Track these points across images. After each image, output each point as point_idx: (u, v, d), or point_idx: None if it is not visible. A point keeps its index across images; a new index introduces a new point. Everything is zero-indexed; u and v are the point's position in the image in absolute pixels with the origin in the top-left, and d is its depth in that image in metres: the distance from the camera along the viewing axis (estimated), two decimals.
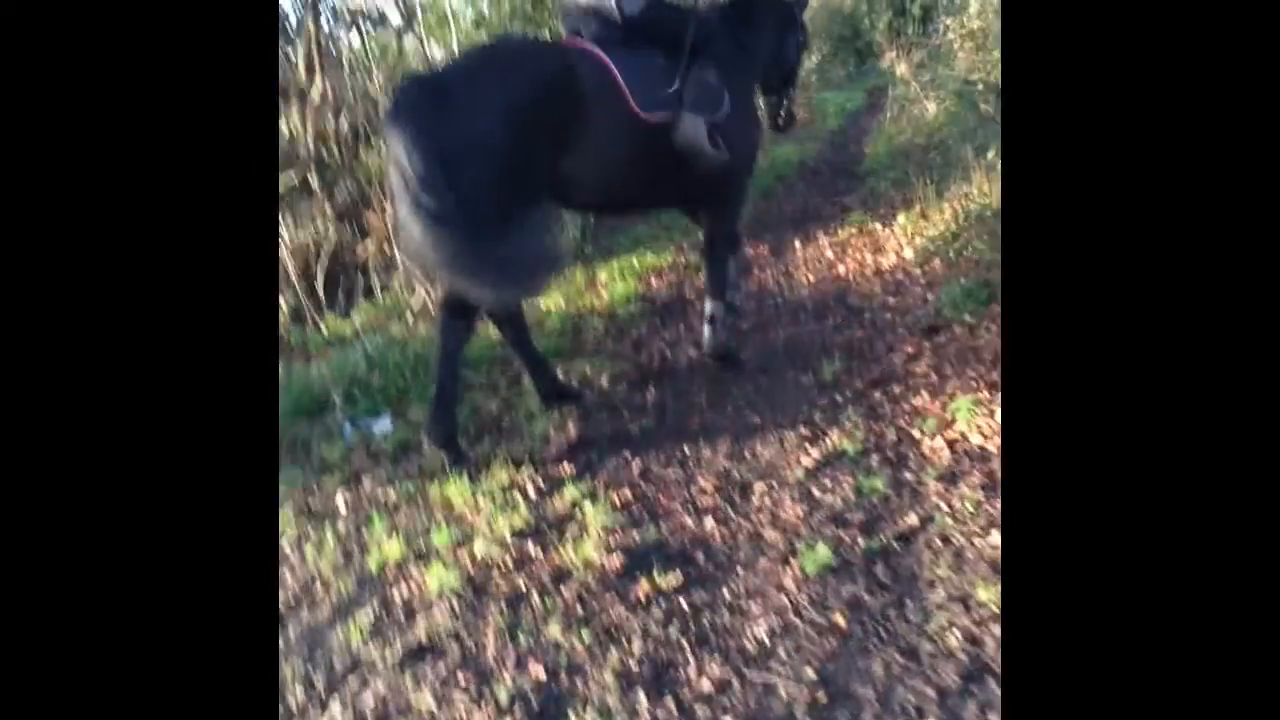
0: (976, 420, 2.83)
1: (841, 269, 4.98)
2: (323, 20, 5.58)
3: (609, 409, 3.49)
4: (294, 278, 5.14)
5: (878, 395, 3.25)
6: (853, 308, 4.27)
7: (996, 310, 3.56)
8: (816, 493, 2.69)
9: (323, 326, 5.14)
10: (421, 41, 6.16)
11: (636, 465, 3.02)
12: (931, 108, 9.49)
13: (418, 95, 2.77)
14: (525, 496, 2.89)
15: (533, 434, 3.36)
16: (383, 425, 3.60)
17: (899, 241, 5.20)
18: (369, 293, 5.33)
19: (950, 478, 2.64)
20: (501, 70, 2.90)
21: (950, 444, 2.78)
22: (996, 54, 8.97)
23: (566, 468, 3.03)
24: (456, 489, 2.96)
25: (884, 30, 17.84)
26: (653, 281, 5.15)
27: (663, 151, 3.22)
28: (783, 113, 4.05)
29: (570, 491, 2.86)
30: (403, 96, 2.79)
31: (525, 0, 7.74)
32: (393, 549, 2.66)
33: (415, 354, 4.10)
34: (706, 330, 3.74)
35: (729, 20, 3.61)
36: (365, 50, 6.15)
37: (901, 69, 14.46)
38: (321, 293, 5.35)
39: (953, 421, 2.87)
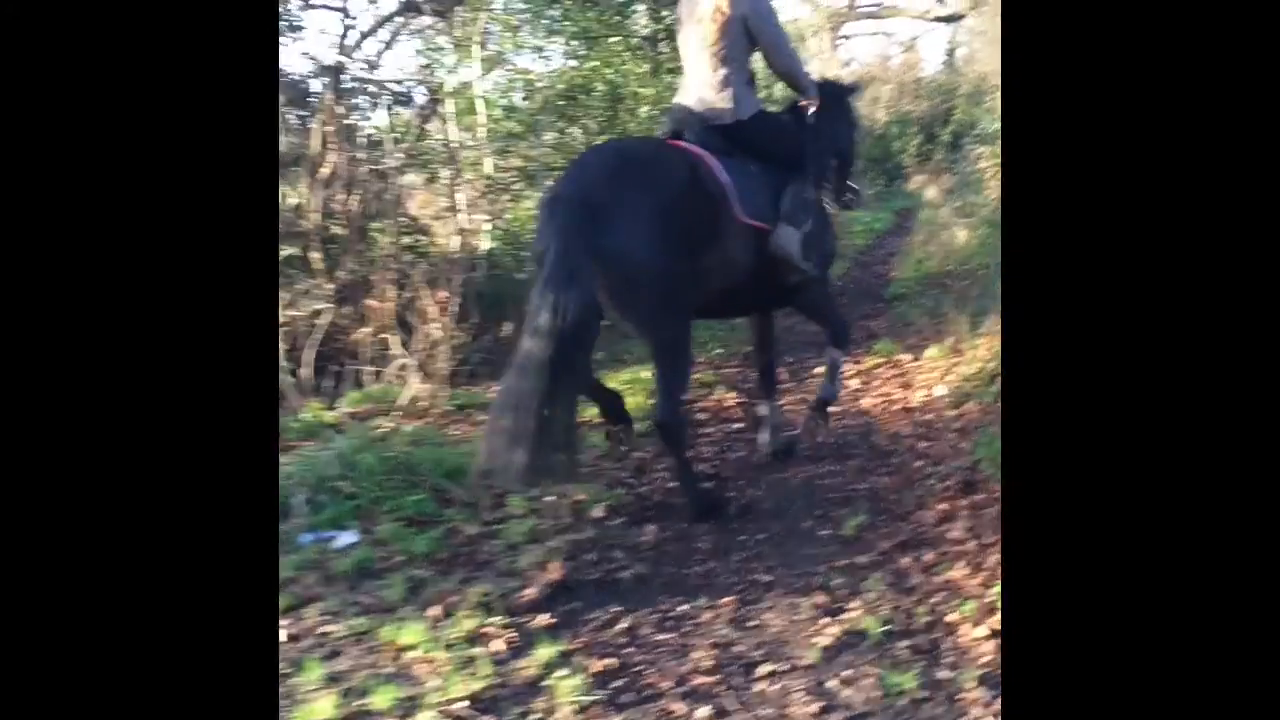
0: None
1: (867, 402, 4.61)
2: (344, 93, 5.36)
3: (600, 547, 3.09)
4: (281, 356, 4.80)
5: (906, 560, 2.85)
6: (879, 449, 3.88)
7: None
8: (833, 684, 2.27)
9: (305, 413, 4.78)
10: (444, 123, 5.94)
11: (625, 623, 2.61)
12: (961, 234, 9.26)
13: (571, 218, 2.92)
14: (491, 651, 2.47)
15: (512, 568, 2.96)
16: (345, 540, 3.20)
17: (929, 377, 4.84)
18: (359, 382, 4.98)
19: (995, 683, 2.22)
20: (644, 182, 3.06)
21: (994, 637, 2.36)
22: None
23: (543, 618, 2.62)
24: (413, 633, 2.55)
25: (913, 153, 17.90)
26: None
27: (760, 258, 3.37)
28: (847, 195, 4.14)
29: (544, 650, 2.44)
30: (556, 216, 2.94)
31: (558, 95, 7.57)
32: (324, 708, 2.24)
33: (395, 459, 3.72)
34: (763, 434, 3.92)
35: (795, 122, 3.77)
36: (387, 128, 5.93)
37: (931, 193, 14.39)
38: (309, 376, 5.01)
39: (995, 609, 2.45)
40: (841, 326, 3.97)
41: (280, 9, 5.50)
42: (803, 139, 3.69)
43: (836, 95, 3.86)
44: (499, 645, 2.49)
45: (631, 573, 2.90)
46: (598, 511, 3.36)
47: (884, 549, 2.94)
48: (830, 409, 3.99)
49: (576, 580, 2.87)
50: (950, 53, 20.52)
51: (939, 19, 18.62)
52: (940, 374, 4.78)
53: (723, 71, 3.43)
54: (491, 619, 2.60)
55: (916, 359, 5.24)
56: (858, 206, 4.20)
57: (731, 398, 4.81)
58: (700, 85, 3.49)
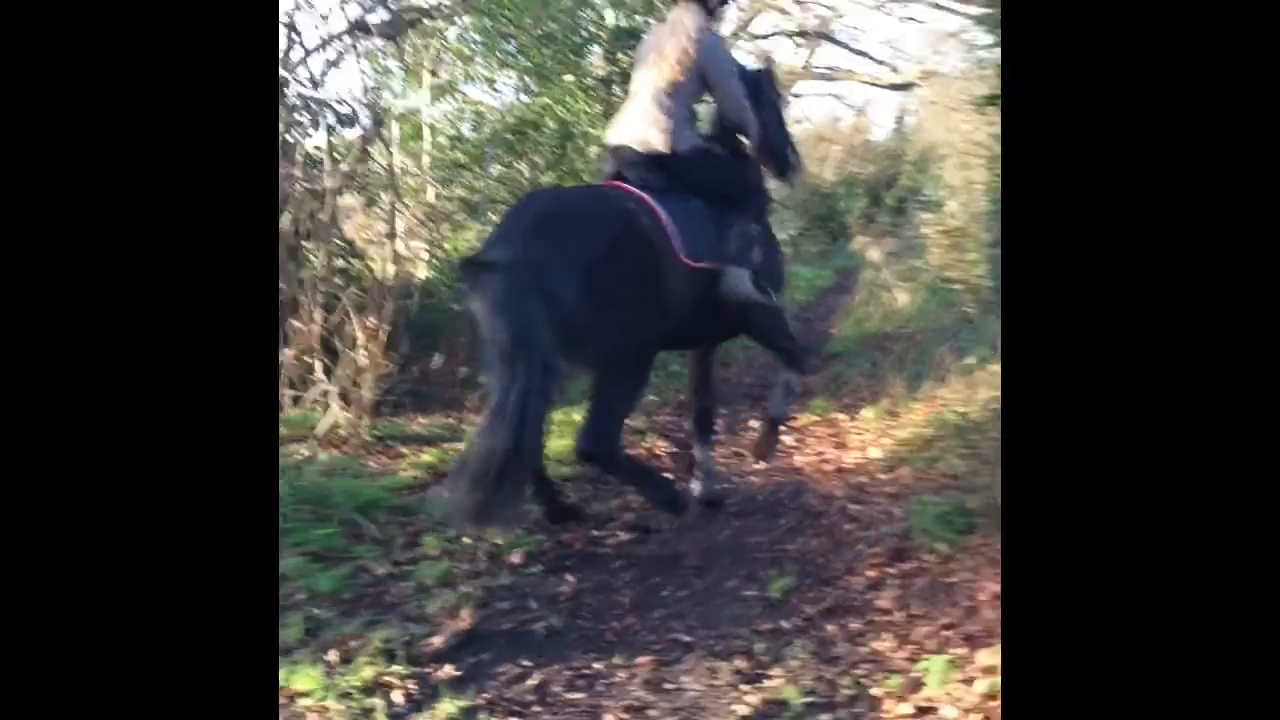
0: (951, 689, 2.31)
1: (800, 459, 4.54)
2: (282, 109, 5.19)
3: (515, 595, 2.94)
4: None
5: (831, 628, 2.74)
6: (809, 510, 3.79)
7: (974, 542, 3.09)
8: None
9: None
10: (388, 148, 5.80)
11: (534, 679, 2.46)
12: (902, 298, 9.34)
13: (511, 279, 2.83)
14: (389, 703, 2.30)
15: (421, 613, 2.79)
16: None
17: (863, 438, 4.78)
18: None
19: None
20: (577, 237, 2.99)
21: (920, 715, 2.26)
22: (973, 255, 8.91)
23: (448, 670, 2.46)
24: (308, 678, 2.37)
25: (858, 215, 18.16)
26: None
27: (707, 295, 3.37)
28: (788, 166, 4.01)
29: (446, 705, 2.28)
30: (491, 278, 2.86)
31: (506, 129, 7.48)
32: None
33: (306, 489, 3.53)
34: (695, 481, 3.86)
35: (732, 155, 3.75)
36: (328, 148, 5.76)
37: (873, 254, 14.56)
38: None
39: (922, 684, 2.35)
40: (795, 349, 4.00)
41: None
42: (743, 171, 3.74)
43: (753, 81, 3.79)
44: (398, 697, 2.32)
45: (545, 625, 2.76)
46: (515, 557, 3.21)
47: (809, 614, 2.83)
48: (779, 431, 4.07)
49: (487, 630, 2.71)
50: (899, 119, 20.97)
51: (890, 85, 18.97)
52: (875, 436, 4.73)
53: (667, 109, 3.42)
54: (393, 667, 2.44)
55: (852, 419, 5.19)
56: (796, 177, 4.09)
57: (663, 446, 4.70)
58: (641, 122, 3.46)
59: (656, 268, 3.16)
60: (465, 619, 2.72)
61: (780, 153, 3.92)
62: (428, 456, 4.26)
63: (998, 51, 6.74)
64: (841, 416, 5.26)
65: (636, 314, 3.11)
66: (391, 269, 5.86)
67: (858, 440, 4.75)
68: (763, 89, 3.83)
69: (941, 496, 3.51)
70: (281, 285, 5.14)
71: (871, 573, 3.08)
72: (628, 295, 3.05)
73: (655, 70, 3.46)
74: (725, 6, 3.62)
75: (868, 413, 5.19)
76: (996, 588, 2.74)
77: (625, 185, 3.35)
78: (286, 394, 4.73)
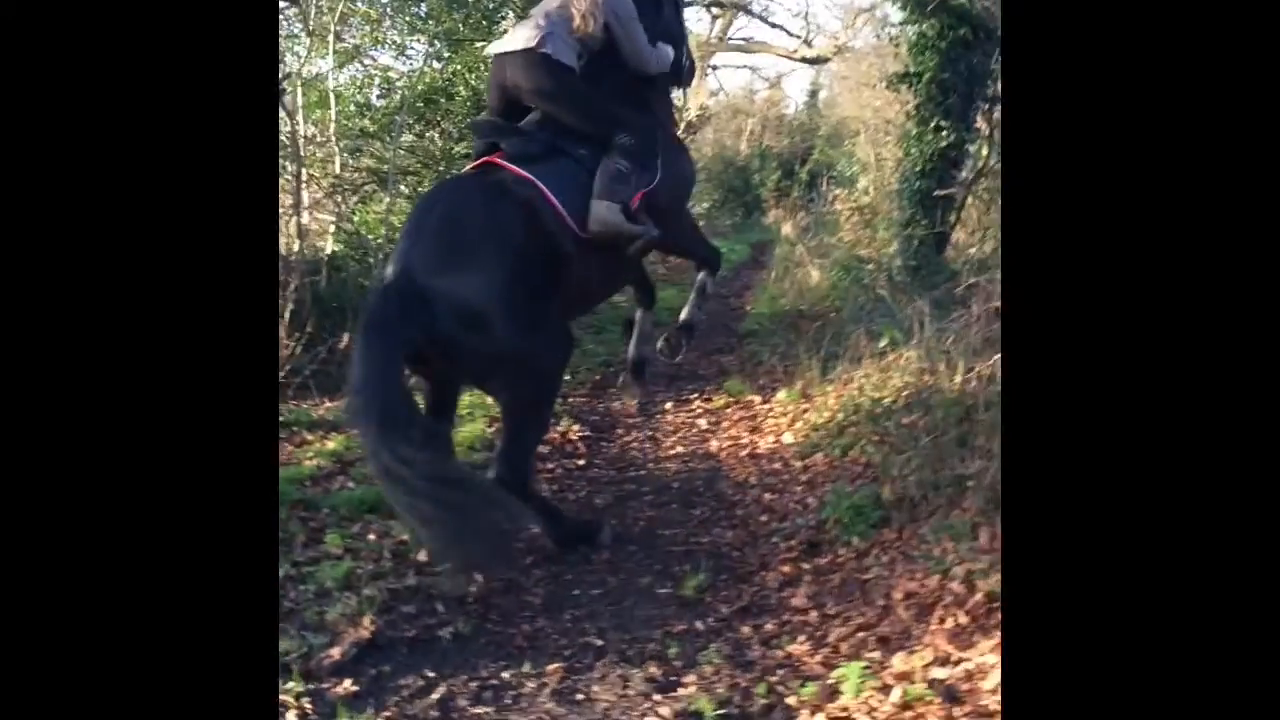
0: (867, 695, 2.27)
1: (715, 444, 4.49)
2: None
3: (420, 598, 2.83)
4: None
5: (746, 629, 2.69)
6: (724, 498, 3.75)
7: (889, 536, 3.08)
8: None
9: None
10: (291, 116, 5.55)
11: (438, 692, 2.35)
12: (815, 274, 9.37)
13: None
14: None
15: (320, 620, 2.66)
16: None
17: (778, 422, 4.75)
18: None
19: None
20: (486, 252, 2.90)
21: None
22: (884, 234, 8.97)
23: (346, 685, 2.34)
24: None
25: (772, 188, 18.23)
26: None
27: (610, 249, 3.34)
28: (684, 69, 4.07)
29: None
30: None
31: (417, 96, 7.24)
32: None
33: None
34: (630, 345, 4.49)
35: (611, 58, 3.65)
36: None
37: (787, 229, 14.63)
38: None
39: (837, 692, 2.31)
40: (710, 252, 4.19)
41: None
42: (617, 97, 3.62)
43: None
44: (291, 718, 2.20)
45: (451, 630, 2.65)
46: (421, 555, 3.09)
47: (723, 614, 2.78)
48: (690, 334, 4.34)
49: (389, 638, 2.60)
50: (813, 94, 21.04)
51: (805, 60, 19.03)
52: (789, 420, 4.70)
53: (544, 24, 3.39)
54: (288, 684, 2.31)
55: (766, 401, 5.16)
56: (689, 81, 4.21)
57: (576, 431, 4.60)
58: (522, 31, 3.46)
59: (560, 253, 3.10)
60: (366, 627, 2.60)
61: (676, 58, 3.92)
62: (332, 444, 4.09)
63: (910, 29, 6.80)
64: (756, 399, 5.23)
65: (550, 329, 3.08)
66: (296, 244, 5.64)
67: (773, 424, 4.72)
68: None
69: (854, 486, 3.49)
70: None
71: (786, 568, 3.04)
72: (541, 295, 3.00)
73: (559, 7, 3.45)
74: None
75: (782, 395, 5.15)
76: (910, 585, 2.73)
77: (504, 163, 3.22)
78: None
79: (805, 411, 4.80)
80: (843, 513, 3.24)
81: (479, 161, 3.35)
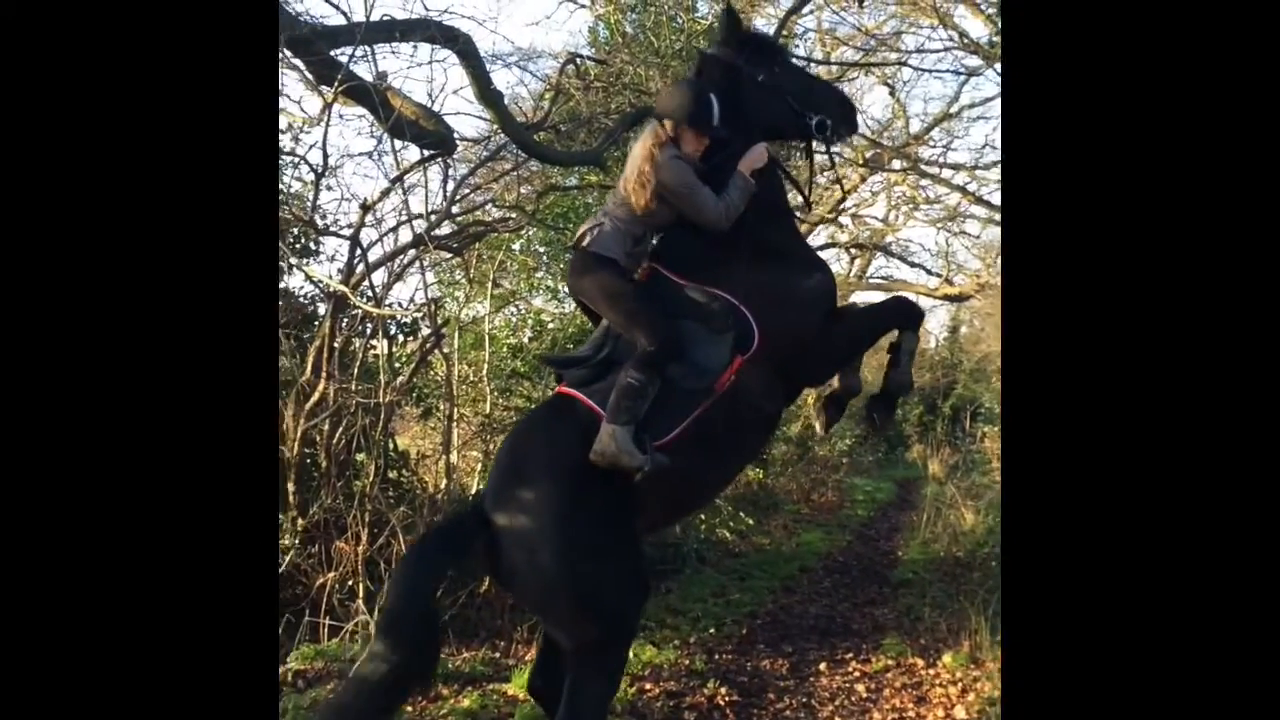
0: None
1: (877, 716, 4.10)
2: (343, 323, 5.16)
3: None
4: None
5: None
6: None
7: None
8: None
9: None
10: (447, 360, 5.72)
11: None
12: (970, 517, 8.95)
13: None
14: None
15: None
16: None
17: (947, 692, 4.34)
18: (315, 635, 4.48)
19: None
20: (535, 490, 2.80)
21: None
22: None
23: None
24: None
25: (915, 423, 17.90)
26: (647, 686, 4.28)
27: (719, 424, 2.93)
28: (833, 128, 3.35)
29: None
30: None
31: (569, 338, 7.43)
32: None
33: None
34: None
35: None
36: (386, 358, 5.69)
37: (934, 467, 14.19)
38: None
39: None
40: (894, 314, 3.42)
41: (289, 235, 5.40)
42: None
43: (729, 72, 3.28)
44: None
45: None
46: None
47: None
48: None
49: None
50: (954, 330, 20.99)
51: (945, 297, 19.08)
52: (959, 691, 4.29)
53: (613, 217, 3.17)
54: None
55: (930, 665, 4.75)
56: (840, 133, 3.42)
57: (723, 694, 4.29)
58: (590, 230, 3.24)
59: (620, 478, 2.82)
60: None
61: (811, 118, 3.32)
62: (467, 701, 3.90)
63: None
64: (919, 662, 4.82)
65: (618, 561, 2.81)
66: (444, 481, 5.68)
67: (940, 694, 4.31)
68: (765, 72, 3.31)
69: None
70: (329, 500, 4.96)
71: None
72: (602, 534, 2.78)
73: (618, 193, 3.20)
74: (694, 127, 3.11)
75: (948, 659, 4.74)
76: None
77: (568, 389, 3.06)
78: (325, 623, 4.45)
79: (976, 680, 4.38)
80: None
81: (556, 392, 3.20)
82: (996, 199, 12.42)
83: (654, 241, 3.24)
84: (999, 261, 18.16)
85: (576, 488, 2.77)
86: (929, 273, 19.91)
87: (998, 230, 18.65)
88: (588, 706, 2.71)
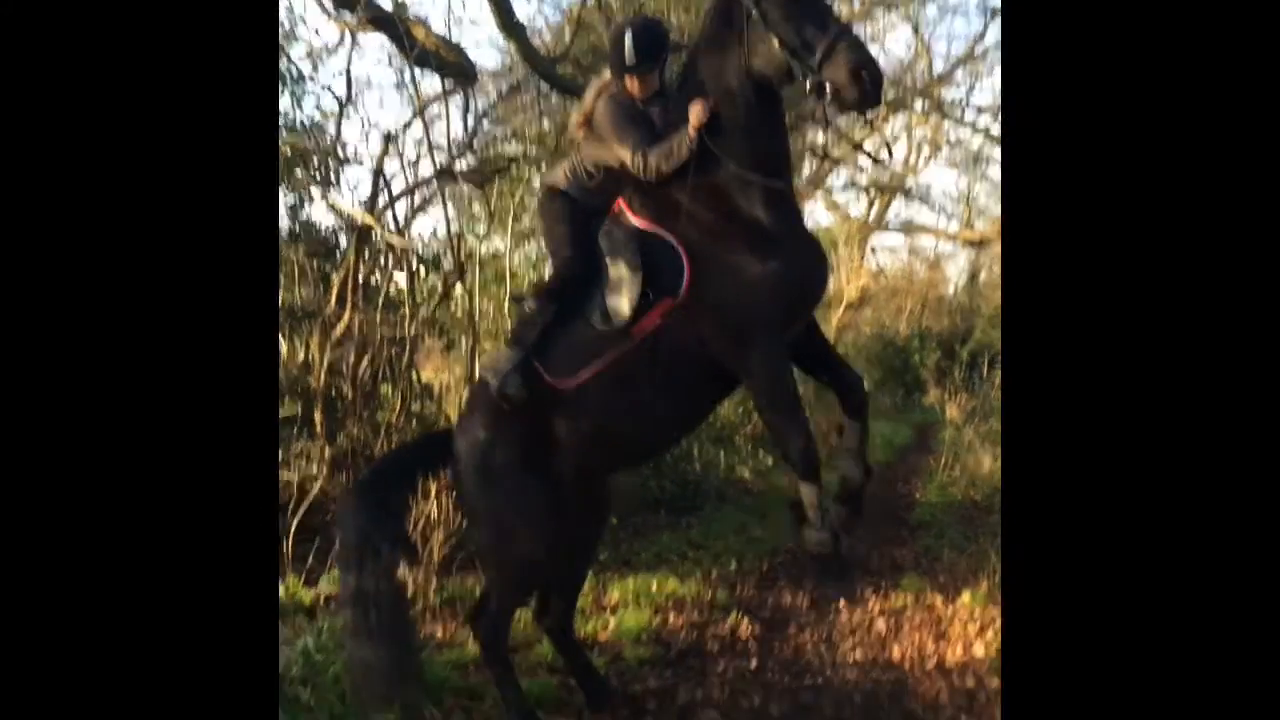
0: None
1: (896, 651, 4.13)
2: (367, 254, 5.14)
3: None
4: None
5: None
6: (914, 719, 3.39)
7: None
8: None
9: (280, 587, 4.33)
10: (470, 295, 5.70)
11: None
12: (986, 462, 8.94)
13: None
14: None
15: None
16: None
17: (965, 629, 4.37)
18: None
19: None
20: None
21: None
22: None
23: None
24: None
25: (932, 368, 17.83)
26: (671, 617, 4.33)
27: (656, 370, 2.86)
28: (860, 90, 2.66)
29: None
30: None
31: None
32: None
33: None
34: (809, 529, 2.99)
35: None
36: (409, 291, 5.68)
37: (951, 411, 14.17)
38: (289, 547, 4.59)
39: None
40: (846, 387, 3.09)
41: (314, 163, 5.36)
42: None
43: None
44: None
45: None
46: None
47: None
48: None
49: None
50: (973, 275, 20.81)
51: (966, 242, 18.92)
52: (978, 628, 4.32)
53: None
54: None
55: (949, 602, 4.77)
56: (856, 102, 2.67)
57: (746, 627, 4.33)
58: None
59: (537, 414, 2.93)
60: None
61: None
62: None
63: None
64: (938, 600, 4.85)
65: (521, 492, 2.99)
66: None
67: (959, 632, 4.33)
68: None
69: None
70: (355, 430, 4.99)
71: None
72: (511, 465, 3.00)
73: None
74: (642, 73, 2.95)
75: (967, 597, 4.77)
76: None
77: None
78: None
79: (994, 619, 4.40)
80: None
81: None
82: None
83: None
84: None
85: (498, 419, 2.95)
86: (949, 216, 19.75)
87: None
88: (496, 614, 3.14)
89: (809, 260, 2.97)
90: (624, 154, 2.91)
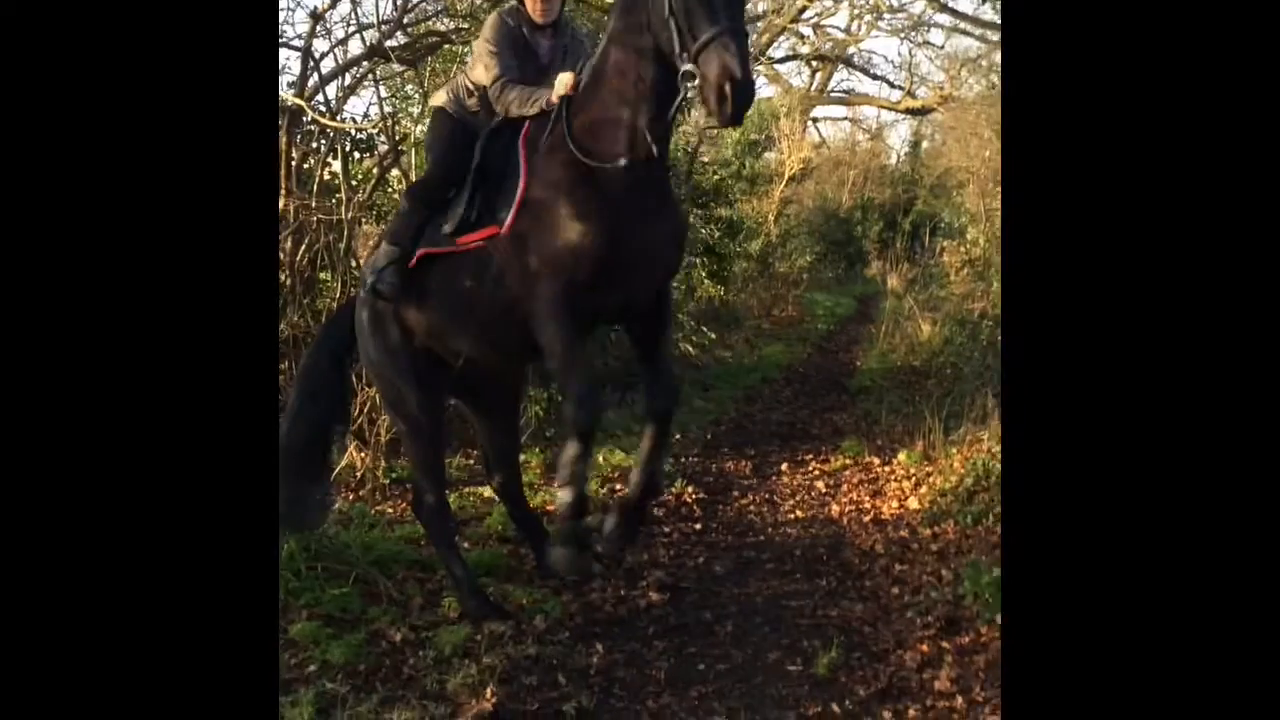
0: None
1: (835, 508, 4.32)
2: (299, 138, 5.03)
3: (541, 668, 2.74)
4: None
5: (887, 715, 2.52)
6: (850, 568, 3.58)
7: None
8: None
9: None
10: (407, 179, 5.61)
11: None
12: (926, 328, 9.13)
13: None
14: None
15: (441, 688, 2.60)
16: None
17: (901, 486, 4.57)
18: None
19: None
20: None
21: None
22: (998, 285, 8.69)
23: None
24: None
25: (874, 239, 17.96)
26: (617, 487, 4.46)
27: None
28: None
29: None
30: None
31: None
32: None
33: (319, 542, 3.34)
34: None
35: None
36: (344, 175, 5.58)
37: (893, 281, 14.36)
38: None
39: None
40: (667, 391, 3.04)
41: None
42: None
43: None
44: None
45: (574, 705, 2.54)
46: (539, 623, 3.00)
47: (861, 696, 2.61)
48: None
49: (511, 710, 2.51)
50: (915, 144, 20.79)
51: (908, 110, 18.85)
52: (913, 484, 4.52)
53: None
54: None
55: (886, 463, 4.98)
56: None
57: (690, 492, 4.49)
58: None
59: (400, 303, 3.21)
60: (487, 699, 2.52)
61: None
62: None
63: None
64: (875, 461, 5.05)
65: (391, 358, 3.31)
66: None
67: (895, 488, 4.54)
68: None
69: (993, 558, 3.29)
70: (296, 318, 4.97)
71: (924, 647, 2.86)
72: (382, 332, 3.30)
73: None
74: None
75: (903, 457, 4.97)
76: None
77: None
78: None
79: (929, 475, 4.61)
80: (982, 588, 3.05)
81: None
82: (963, 5, 12.09)
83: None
84: (962, 73, 17.88)
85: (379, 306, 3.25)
86: (891, 85, 19.61)
87: (962, 40, 18.31)
88: (425, 507, 3.31)
89: (652, 241, 2.88)
90: (486, 78, 3.03)
